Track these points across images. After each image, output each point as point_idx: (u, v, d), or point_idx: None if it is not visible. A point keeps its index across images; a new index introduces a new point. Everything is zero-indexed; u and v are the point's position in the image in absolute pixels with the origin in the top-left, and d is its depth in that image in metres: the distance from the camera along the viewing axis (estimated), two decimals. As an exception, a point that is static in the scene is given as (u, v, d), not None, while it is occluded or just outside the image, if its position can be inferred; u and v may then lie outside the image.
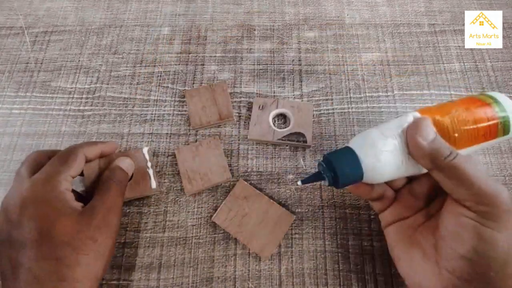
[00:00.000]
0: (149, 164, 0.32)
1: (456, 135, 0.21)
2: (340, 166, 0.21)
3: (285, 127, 0.34)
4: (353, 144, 0.23)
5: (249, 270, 0.29)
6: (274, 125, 0.34)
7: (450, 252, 0.19)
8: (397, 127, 0.21)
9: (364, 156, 0.21)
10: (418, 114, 0.21)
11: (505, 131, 0.21)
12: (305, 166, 0.33)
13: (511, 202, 0.18)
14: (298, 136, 0.34)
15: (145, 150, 0.32)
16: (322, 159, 0.23)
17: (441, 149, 0.19)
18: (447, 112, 0.21)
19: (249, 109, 0.36)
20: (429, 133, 0.20)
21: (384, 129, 0.22)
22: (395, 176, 0.22)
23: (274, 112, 0.35)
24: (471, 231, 0.19)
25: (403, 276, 0.23)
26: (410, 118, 0.21)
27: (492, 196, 0.18)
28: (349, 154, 0.22)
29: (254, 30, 0.41)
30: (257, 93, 0.37)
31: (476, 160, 0.19)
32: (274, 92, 0.37)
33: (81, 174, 0.28)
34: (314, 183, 0.26)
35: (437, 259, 0.20)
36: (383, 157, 0.21)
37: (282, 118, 0.36)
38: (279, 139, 0.33)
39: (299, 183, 0.23)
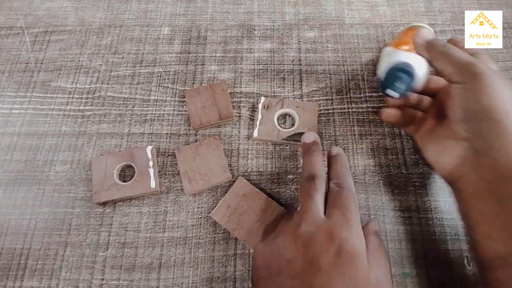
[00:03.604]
0: (150, 163, 0.32)
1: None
2: (408, 72, 0.29)
3: (288, 127, 0.34)
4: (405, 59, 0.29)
5: (249, 270, 0.29)
6: (277, 124, 0.34)
7: (454, 123, 0.25)
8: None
9: (416, 67, 0.29)
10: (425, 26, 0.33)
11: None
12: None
13: (484, 66, 0.23)
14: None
15: (149, 149, 0.32)
16: (394, 70, 0.29)
17: (434, 42, 0.27)
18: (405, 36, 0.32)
19: (249, 109, 0.36)
20: (425, 36, 0.28)
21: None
22: (424, 81, 0.30)
23: (279, 112, 0.35)
24: (458, 96, 0.24)
25: (433, 165, 0.27)
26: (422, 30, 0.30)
27: (467, 63, 0.24)
28: (407, 67, 0.29)
29: (254, 30, 0.41)
30: (257, 93, 0.37)
31: (450, 46, 0.27)
32: (274, 92, 0.37)
33: None
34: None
35: (451, 135, 0.25)
36: (423, 67, 0.29)
37: (283, 118, 0.36)
38: (283, 139, 0.33)
39: (395, 95, 0.29)
